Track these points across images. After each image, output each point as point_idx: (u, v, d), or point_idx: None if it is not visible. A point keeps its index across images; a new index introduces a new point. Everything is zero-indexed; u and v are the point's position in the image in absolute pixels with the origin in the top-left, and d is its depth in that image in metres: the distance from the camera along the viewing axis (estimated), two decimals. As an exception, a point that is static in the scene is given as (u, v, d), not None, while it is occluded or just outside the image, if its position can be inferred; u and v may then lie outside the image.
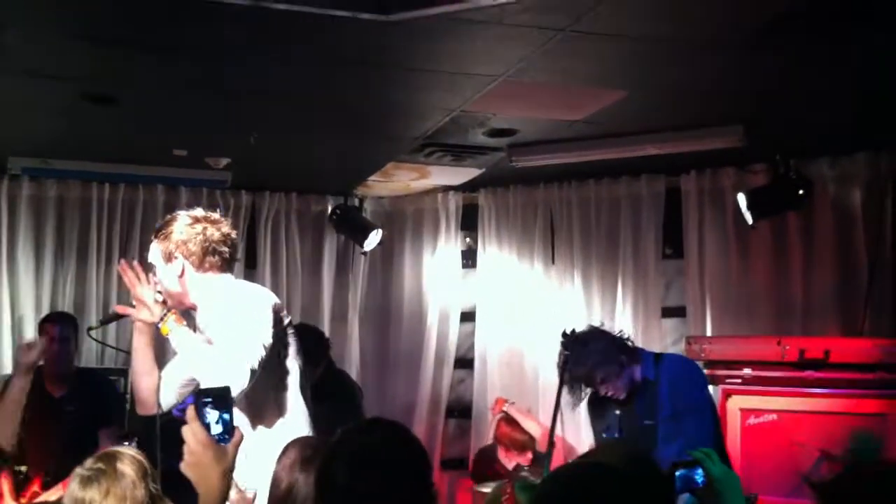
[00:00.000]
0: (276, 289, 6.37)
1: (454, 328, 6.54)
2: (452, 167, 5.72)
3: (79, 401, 4.95)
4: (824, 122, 4.63)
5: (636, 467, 2.15)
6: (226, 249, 3.51)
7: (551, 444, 4.68)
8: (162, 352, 3.63)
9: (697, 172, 5.62)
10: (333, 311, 6.61)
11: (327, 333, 6.50)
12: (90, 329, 3.66)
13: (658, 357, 4.12)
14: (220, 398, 2.11)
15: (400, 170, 5.86)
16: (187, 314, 3.48)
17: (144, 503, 2.64)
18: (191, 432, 2.05)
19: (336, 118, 4.73)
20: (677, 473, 2.50)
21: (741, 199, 5.20)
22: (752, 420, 4.74)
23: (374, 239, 6.35)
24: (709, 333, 5.50)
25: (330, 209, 6.51)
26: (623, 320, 5.85)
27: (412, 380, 6.52)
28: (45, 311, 5.97)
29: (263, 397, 3.41)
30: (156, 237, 3.43)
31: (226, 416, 2.09)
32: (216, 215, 3.57)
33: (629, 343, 4.09)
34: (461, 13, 3.25)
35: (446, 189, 6.49)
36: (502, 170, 5.66)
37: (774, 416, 4.69)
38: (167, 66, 3.95)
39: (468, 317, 6.55)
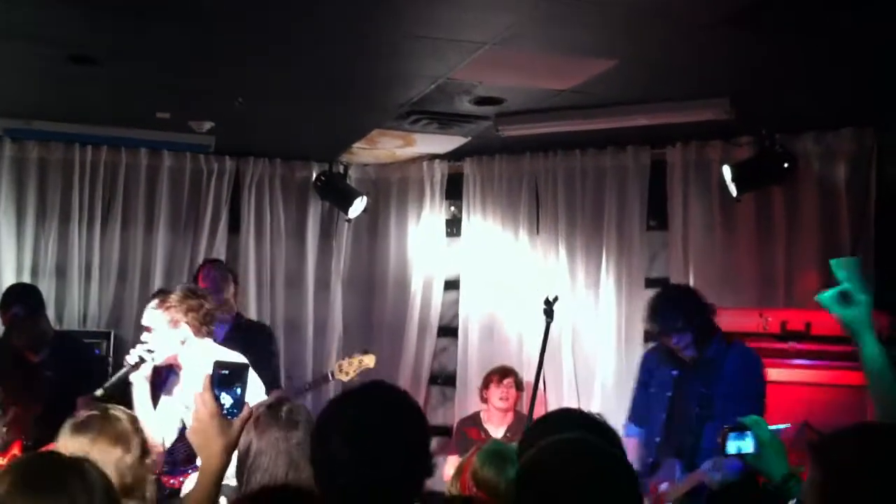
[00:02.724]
0: (259, 254, 6.41)
1: (438, 296, 6.54)
2: (438, 135, 5.69)
3: (58, 366, 4.91)
4: (810, 97, 4.63)
5: (598, 434, 2.17)
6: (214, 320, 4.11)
7: (531, 412, 4.72)
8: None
9: (683, 144, 5.61)
10: (317, 277, 6.60)
11: (311, 300, 6.52)
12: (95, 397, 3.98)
13: (729, 339, 4.28)
14: (236, 374, 2.12)
15: (385, 137, 5.83)
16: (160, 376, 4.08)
17: (137, 449, 2.63)
18: (201, 401, 2.07)
19: (321, 83, 4.69)
20: (729, 437, 2.54)
21: (726, 171, 5.20)
22: (732, 391, 4.77)
23: (358, 206, 6.33)
24: (691, 305, 5.50)
25: (314, 176, 6.48)
26: (607, 290, 5.87)
27: (395, 347, 6.53)
28: (27, 272, 5.97)
29: None
30: (160, 306, 3.91)
31: (238, 391, 2.10)
32: (202, 290, 4.28)
33: (711, 316, 4.26)
34: (449, -22, 3.22)
35: (432, 157, 6.46)
36: (488, 139, 5.64)
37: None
38: (151, 28, 3.90)
39: (452, 285, 6.54)
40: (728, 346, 4.23)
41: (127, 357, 3.97)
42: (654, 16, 3.60)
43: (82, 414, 2.70)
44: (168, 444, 4.04)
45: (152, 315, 3.94)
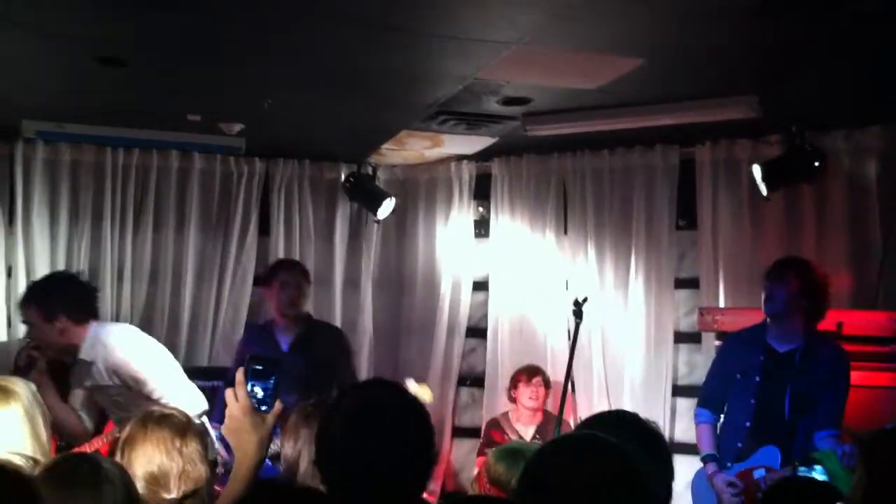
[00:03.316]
0: (288, 255, 6.44)
1: (466, 297, 6.54)
2: (466, 136, 5.70)
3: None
4: (839, 94, 4.59)
5: (638, 442, 2.13)
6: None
7: (561, 413, 4.72)
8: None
9: (712, 143, 5.59)
10: (346, 278, 6.63)
11: (339, 300, 6.55)
12: None
13: (821, 332, 4.31)
14: (269, 368, 2.14)
15: (413, 138, 5.85)
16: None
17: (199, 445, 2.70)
18: (234, 397, 2.09)
19: (350, 84, 4.72)
20: (798, 470, 2.57)
21: (756, 170, 5.17)
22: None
23: (387, 207, 6.36)
24: (721, 304, 5.49)
25: (343, 177, 6.52)
26: (636, 290, 5.85)
27: (424, 348, 6.54)
28: (60, 274, 6.02)
29: None
30: (31, 301, 4.24)
31: (270, 385, 2.12)
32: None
33: (822, 307, 4.28)
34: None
35: (460, 158, 6.47)
36: (516, 139, 5.64)
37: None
38: (181, 29, 3.94)
39: (481, 286, 6.55)
40: (823, 339, 4.27)
41: (16, 360, 4.14)
42: (681, 12, 3.59)
43: (155, 410, 2.80)
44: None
45: (27, 312, 4.16)
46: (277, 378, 2.15)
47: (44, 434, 2.79)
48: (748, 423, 4.23)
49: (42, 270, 5.97)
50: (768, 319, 4.32)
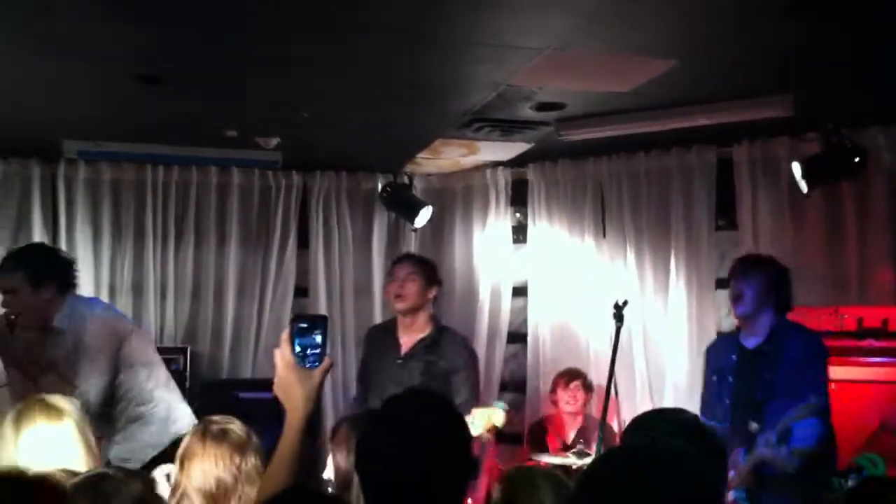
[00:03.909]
0: (328, 267, 6.50)
1: (506, 303, 6.54)
2: (501, 142, 5.71)
3: None
4: (875, 89, 4.53)
5: (689, 440, 2.13)
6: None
7: (604, 417, 4.70)
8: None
9: (749, 142, 5.54)
10: (385, 288, 6.65)
11: (378, 311, 6.58)
12: None
13: (790, 322, 4.23)
14: (314, 324, 2.18)
15: (448, 146, 5.87)
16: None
17: (255, 459, 2.71)
18: (280, 354, 2.14)
19: (385, 95, 4.75)
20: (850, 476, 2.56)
21: (795, 167, 5.11)
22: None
23: (424, 216, 6.38)
24: (763, 304, 5.42)
25: (380, 187, 6.55)
26: (677, 292, 5.81)
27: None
28: (105, 290, 6.13)
29: None
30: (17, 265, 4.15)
31: (315, 341, 2.15)
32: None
33: (789, 298, 4.23)
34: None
35: (495, 165, 6.48)
36: (551, 144, 5.63)
37: (833, 386, 4.63)
38: (215, 46, 3.99)
39: (520, 291, 6.55)
40: (790, 328, 4.19)
41: None
42: (713, 12, 3.57)
43: (214, 423, 2.80)
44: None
45: (11, 278, 4.04)
46: (324, 334, 2.18)
47: (95, 447, 2.84)
48: (727, 424, 4.17)
49: (86, 288, 6.06)
50: (738, 321, 4.31)
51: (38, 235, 5.98)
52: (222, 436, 2.72)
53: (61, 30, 3.75)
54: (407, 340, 4.72)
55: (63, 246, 6.05)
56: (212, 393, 6.00)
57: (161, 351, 5.92)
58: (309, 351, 2.15)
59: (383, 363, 4.72)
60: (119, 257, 6.21)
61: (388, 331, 4.86)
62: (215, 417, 2.85)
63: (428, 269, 4.81)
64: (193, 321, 6.33)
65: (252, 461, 2.70)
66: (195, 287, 6.35)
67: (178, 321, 6.30)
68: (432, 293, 4.76)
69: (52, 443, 2.72)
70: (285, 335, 2.15)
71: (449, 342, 4.69)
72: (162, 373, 4.36)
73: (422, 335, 4.68)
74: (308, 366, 2.14)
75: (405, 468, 2.00)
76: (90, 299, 4.79)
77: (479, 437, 4.06)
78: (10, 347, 4.08)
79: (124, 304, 6.09)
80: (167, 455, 4.02)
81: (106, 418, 4.14)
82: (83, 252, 6.09)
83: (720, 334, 4.58)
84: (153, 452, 4.12)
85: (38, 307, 4.07)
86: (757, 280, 4.16)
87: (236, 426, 2.82)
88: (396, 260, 5.04)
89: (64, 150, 5.79)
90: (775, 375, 4.04)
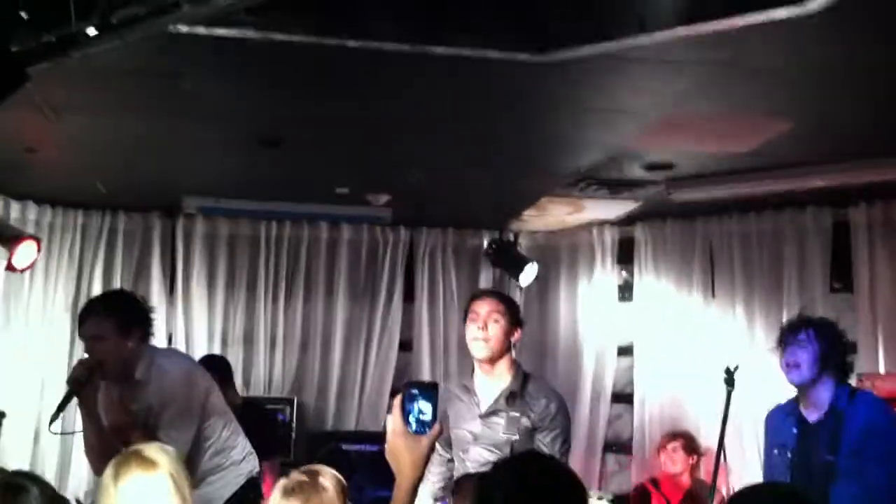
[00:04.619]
0: (432, 322, 6.54)
1: (612, 362, 6.47)
2: (607, 200, 5.69)
3: (245, 431, 5.07)
4: None
5: None
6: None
7: (714, 482, 4.58)
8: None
9: (867, 204, 5.39)
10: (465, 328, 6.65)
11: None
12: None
13: (853, 391, 3.91)
14: (425, 392, 2.20)
15: (554, 204, 5.87)
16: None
17: None
18: (391, 420, 2.17)
19: (492, 155, 4.80)
20: None
21: (915, 230, 4.96)
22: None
23: (530, 273, 6.37)
24: (881, 370, 5.24)
25: (486, 244, 6.58)
26: (789, 356, 5.65)
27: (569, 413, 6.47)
28: (217, 340, 6.30)
29: None
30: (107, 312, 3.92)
31: (425, 408, 2.18)
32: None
33: (848, 363, 3.94)
34: (619, 51, 3.26)
35: (601, 223, 6.45)
36: (659, 203, 5.59)
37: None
38: (329, 109, 4.12)
39: (625, 351, 6.47)
40: (851, 395, 3.84)
41: (74, 372, 3.84)
42: (830, 74, 3.52)
43: (293, 477, 2.77)
44: None
45: (101, 324, 3.83)
46: (435, 401, 2.20)
47: (190, 499, 2.80)
48: None
49: (200, 338, 6.27)
50: (796, 390, 3.93)
51: (157, 286, 6.21)
52: (299, 489, 2.73)
53: (188, 93, 3.91)
54: (486, 393, 4.06)
55: (179, 297, 6.28)
56: (316, 444, 6.08)
57: (268, 401, 6.12)
58: (419, 417, 2.17)
59: (461, 420, 4.09)
60: (231, 309, 6.38)
61: (463, 385, 4.19)
62: (295, 473, 2.83)
63: (513, 307, 4.16)
64: (300, 373, 6.44)
65: None
66: (303, 339, 6.48)
67: (286, 372, 6.42)
68: (517, 336, 4.08)
69: (148, 494, 2.76)
70: (397, 401, 2.19)
71: (534, 394, 4.00)
72: (233, 419, 4.28)
73: (503, 385, 4.01)
74: (417, 432, 2.16)
75: None
76: (170, 351, 4.84)
77: None
78: (89, 396, 3.88)
79: (235, 355, 6.25)
80: (241, 494, 4.11)
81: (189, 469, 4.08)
82: (198, 303, 6.29)
83: (778, 404, 4.11)
84: (229, 493, 4.12)
85: (122, 356, 3.88)
86: (811, 344, 3.80)
87: (314, 479, 2.76)
88: (475, 296, 4.23)
89: (184, 205, 6.01)
90: (837, 458, 3.68)
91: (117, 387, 3.94)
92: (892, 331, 5.32)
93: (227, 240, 6.37)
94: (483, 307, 4.00)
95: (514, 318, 4.06)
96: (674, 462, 5.58)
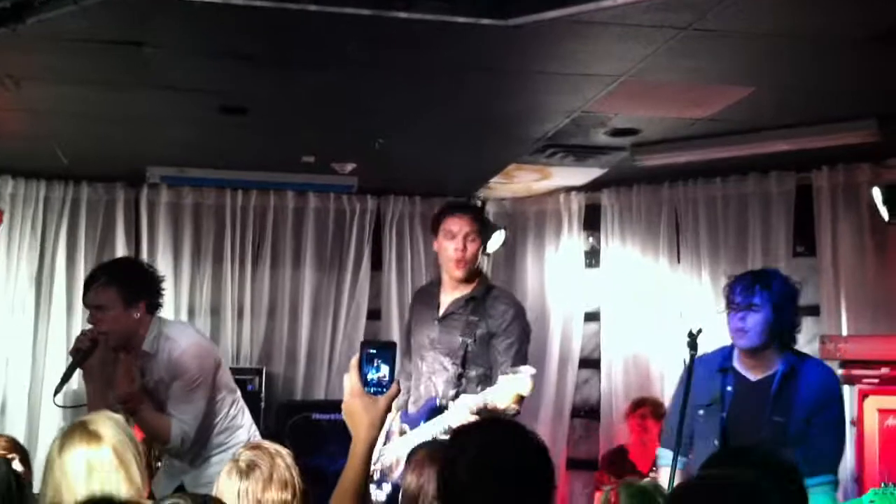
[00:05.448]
0: (401, 291, 6.54)
1: (578, 328, 6.51)
2: (574, 167, 5.71)
3: None
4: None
5: (775, 480, 2.10)
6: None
7: (678, 444, 4.63)
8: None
9: (830, 168, 5.44)
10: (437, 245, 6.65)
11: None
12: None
13: (801, 353, 3.69)
14: (383, 352, 2.20)
15: (522, 171, 5.88)
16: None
17: (299, 487, 2.71)
18: (347, 380, 2.18)
19: (458, 122, 4.79)
20: None
21: (876, 194, 5.01)
22: (890, 421, 4.59)
23: (497, 240, 6.38)
24: (844, 332, 5.32)
25: (453, 211, 6.57)
26: (753, 319, 5.71)
27: (536, 380, 6.47)
28: (184, 311, 6.27)
29: None
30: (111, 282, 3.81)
31: (382, 369, 2.18)
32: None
33: (796, 330, 3.64)
34: (581, 15, 3.25)
35: (568, 190, 6.47)
36: (625, 169, 5.61)
37: (912, 418, 4.52)
38: (294, 77, 4.09)
39: (592, 317, 6.51)
40: (802, 359, 3.62)
41: (77, 343, 3.76)
42: (792, 40, 3.54)
43: (243, 454, 2.73)
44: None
45: (104, 293, 3.72)
46: (392, 361, 2.20)
47: (137, 476, 2.73)
48: None
49: (167, 309, 6.10)
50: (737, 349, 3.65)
51: (121, 256, 6.14)
52: (248, 471, 2.70)
53: (151, 63, 3.87)
54: (449, 299, 4.06)
55: (144, 268, 6.21)
56: (286, 414, 6.09)
57: (237, 371, 6.05)
58: (376, 377, 2.18)
59: (420, 325, 4.13)
60: (198, 279, 6.35)
61: (431, 291, 4.23)
62: (246, 451, 2.80)
63: (486, 223, 4.27)
64: (269, 342, 6.43)
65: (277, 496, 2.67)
66: (271, 309, 6.46)
67: (254, 342, 6.41)
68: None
69: (92, 467, 2.67)
70: (354, 361, 2.19)
71: (494, 302, 4.00)
72: (240, 398, 4.22)
73: (466, 293, 4.02)
74: (375, 392, 2.17)
75: (488, 502, 2.02)
76: (179, 323, 4.78)
77: (505, 410, 3.59)
78: (93, 368, 3.79)
79: (202, 325, 6.22)
80: None
81: (196, 446, 3.94)
82: (164, 273, 6.21)
83: (701, 357, 3.65)
84: None
85: (127, 326, 3.77)
86: (763, 306, 3.53)
87: (266, 461, 2.71)
88: (448, 210, 4.16)
89: (147, 175, 5.95)
90: (787, 420, 3.48)
91: (127, 357, 3.85)
92: (855, 294, 5.39)
93: (192, 209, 6.32)
94: (460, 226, 3.97)
95: (486, 234, 4.13)
96: (643, 429, 5.62)
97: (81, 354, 3.74)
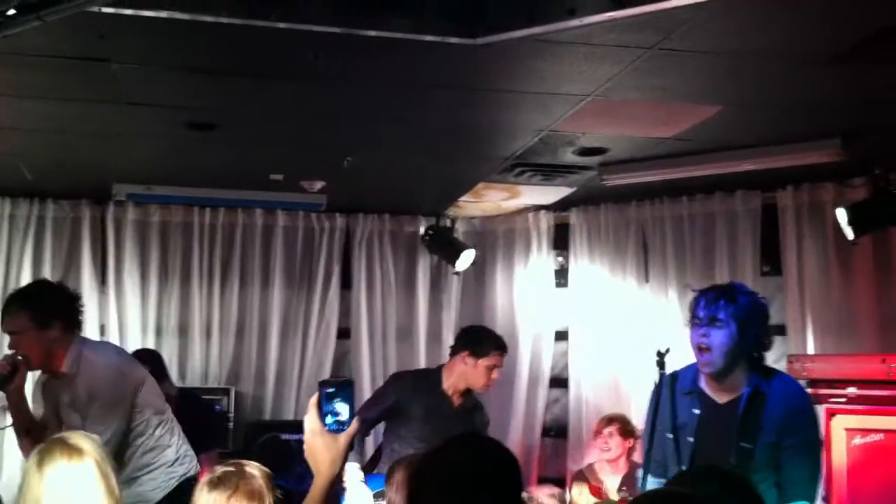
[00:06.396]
0: (371, 309, 6.52)
1: (548, 347, 6.52)
2: (543, 186, 5.73)
3: (181, 423, 4.97)
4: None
5: (736, 498, 2.11)
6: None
7: (647, 462, 4.64)
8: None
9: (794, 187, 5.51)
10: (428, 330, 6.67)
11: (423, 353, 6.58)
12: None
13: (768, 369, 3.49)
14: (339, 390, 2.20)
15: (491, 190, 5.90)
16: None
17: (271, 500, 2.70)
18: (307, 420, 2.17)
19: (427, 140, 4.80)
20: None
21: (840, 214, 5.06)
22: (857, 440, 4.60)
23: (466, 259, 6.40)
24: (810, 351, 5.36)
25: (423, 230, 6.59)
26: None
27: (506, 399, 6.52)
28: (151, 331, 6.21)
29: None
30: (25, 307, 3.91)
31: (341, 407, 2.18)
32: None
33: (767, 340, 3.45)
34: (548, 34, 3.27)
35: (537, 208, 6.50)
36: (593, 188, 5.64)
37: (881, 436, 4.54)
38: (262, 94, 4.07)
39: (562, 336, 6.53)
40: (769, 377, 3.42)
41: None
42: (757, 59, 3.58)
43: (218, 470, 2.74)
44: None
45: (16, 319, 3.82)
46: (351, 399, 2.20)
47: (117, 489, 2.79)
48: None
49: (134, 329, 6.17)
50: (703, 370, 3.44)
51: (88, 276, 6.11)
52: (218, 483, 2.70)
53: (117, 79, 3.84)
54: (457, 400, 5.06)
55: (111, 287, 6.16)
56: (255, 434, 6.03)
57: (205, 392, 6.04)
58: (335, 416, 2.18)
59: (433, 412, 4.92)
60: (165, 298, 6.30)
61: (432, 384, 5.06)
62: (220, 466, 2.80)
63: None
64: (237, 362, 6.39)
65: None
66: (239, 327, 6.42)
67: (223, 362, 6.36)
68: None
69: (74, 481, 2.72)
70: (313, 401, 2.18)
71: (480, 410, 5.21)
72: (171, 417, 4.24)
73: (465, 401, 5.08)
74: (335, 430, 2.17)
75: None
76: (100, 343, 4.75)
77: None
78: (16, 391, 3.87)
79: (170, 345, 6.18)
80: (174, 496, 4.02)
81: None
82: (131, 293, 6.19)
83: (675, 373, 3.55)
84: (161, 494, 4.06)
85: (44, 348, 3.86)
86: (728, 324, 3.33)
87: (238, 474, 2.73)
88: (500, 349, 5.07)
89: (114, 192, 5.90)
90: (755, 446, 3.30)
91: (47, 380, 3.93)
92: (821, 313, 5.44)
93: (159, 227, 6.27)
94: (502, 363, 5.06)
95: None
96: (608, 448, 5.62)
97: (3, 379, 3.81)
